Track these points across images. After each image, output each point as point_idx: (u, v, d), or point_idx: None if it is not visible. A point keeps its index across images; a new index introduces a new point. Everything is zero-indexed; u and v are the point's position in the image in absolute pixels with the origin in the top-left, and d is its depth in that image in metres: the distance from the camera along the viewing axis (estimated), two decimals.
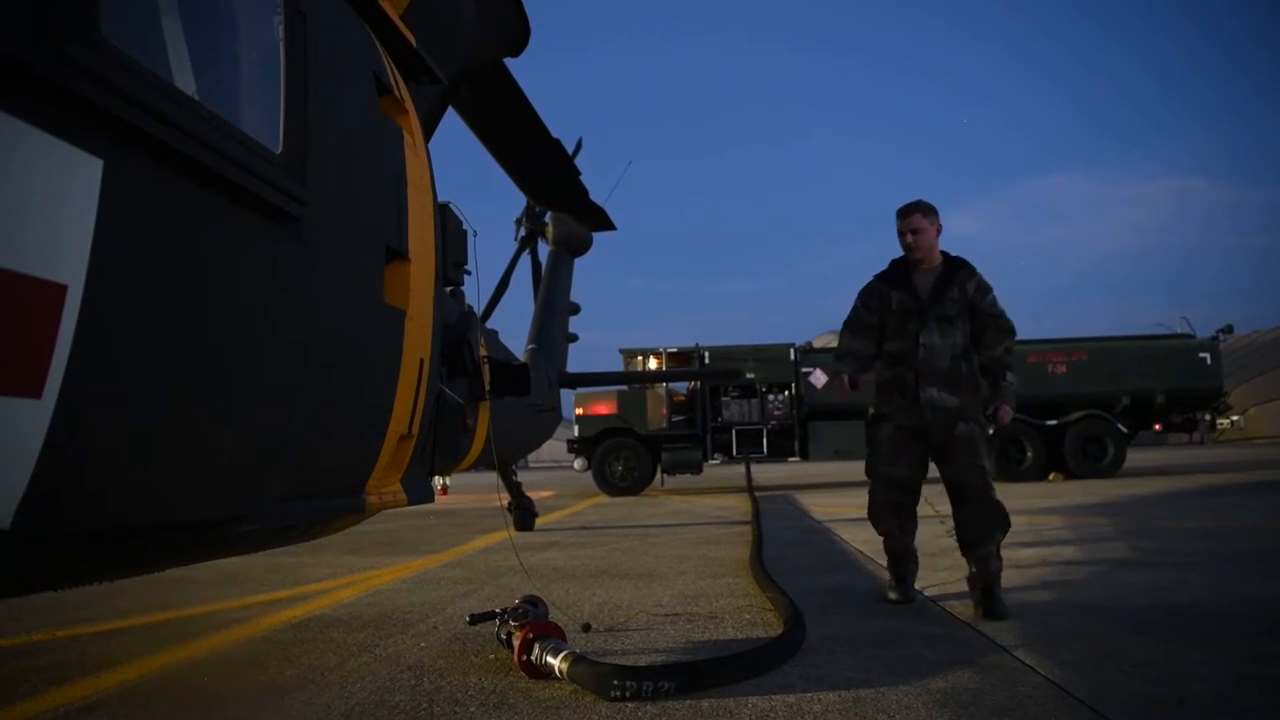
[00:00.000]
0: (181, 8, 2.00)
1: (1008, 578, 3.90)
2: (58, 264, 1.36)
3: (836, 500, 11.71)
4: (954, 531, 3.96)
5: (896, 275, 4.22)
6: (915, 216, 4.09)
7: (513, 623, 3.10)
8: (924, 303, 4.05)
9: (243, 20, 2.21)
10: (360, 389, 2.63)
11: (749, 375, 16.64)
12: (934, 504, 4.18)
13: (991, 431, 3.99)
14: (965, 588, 3.89)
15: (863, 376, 4.31)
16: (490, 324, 7.69)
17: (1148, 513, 8.40)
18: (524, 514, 9.00)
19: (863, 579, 4.88)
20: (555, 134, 6.46)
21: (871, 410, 4.26)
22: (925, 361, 4.00)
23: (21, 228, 1.30)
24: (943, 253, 4.17)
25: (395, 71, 3.08)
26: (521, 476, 10.47)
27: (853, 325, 4.31)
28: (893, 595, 4.10)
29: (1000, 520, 3.87)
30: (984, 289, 4.07)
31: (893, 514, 4.10)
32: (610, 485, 16.09)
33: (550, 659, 2.79)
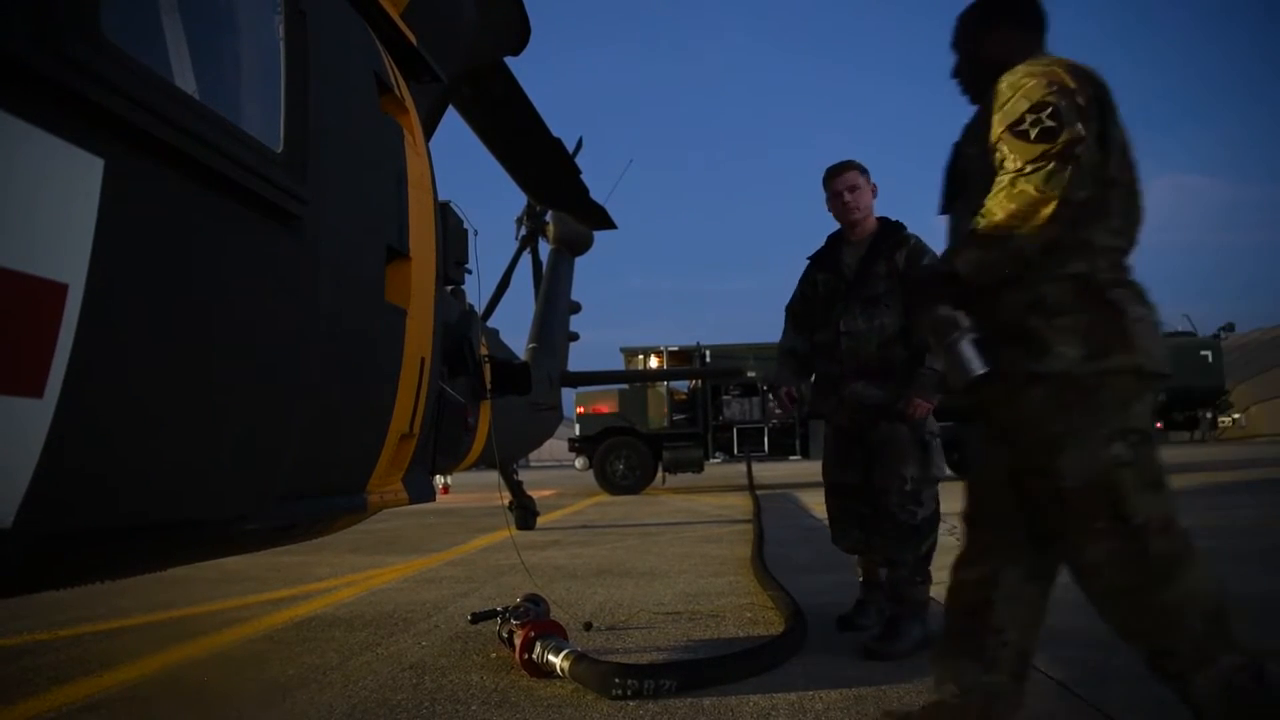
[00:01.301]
0: (182, 7, 2.00)
1: None
2: (59, 263, 1.36)
3: None
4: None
5: (826, 253, 3.69)
6: (851, 173, 3.55)
7: (514, 621, 3.11)
8: (848, 282, 3.50)
9: (243, 19, 2.21)
10: (361, 388, 2.64)
11: (750, 374, 16.63)
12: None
13: (934, 431, 3.43)
14: None
15: (802, 382, 3.74)
16: (491, 323, 7.69)
17: None
18: (525, 513, 9.00)
19: None
20: (556, 133, 6.47)
21: None
22: (848, 352, 3.42)
23: (22, 227, 1.31)
24: (880, 219, 3.61)
25: (396, 70, 3.08)
26: (523, 475, 10.48)
27: (789, 314, 3.81)
28: (841, 622, 3.50)
29: (906, 538, 3.28)
30: (917, 254, 3.43)
31: (854, 526, 3.51)
32: (611, 484, 16.07)
33: (552, 657, 2.79)
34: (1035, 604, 2.07)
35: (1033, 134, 1.84)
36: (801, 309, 3.76)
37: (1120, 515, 1.82)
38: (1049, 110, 1.84)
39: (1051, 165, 1.82)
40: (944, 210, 2.20)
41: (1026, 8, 2.13)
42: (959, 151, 2.15)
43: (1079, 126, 1.83)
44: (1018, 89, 1.92)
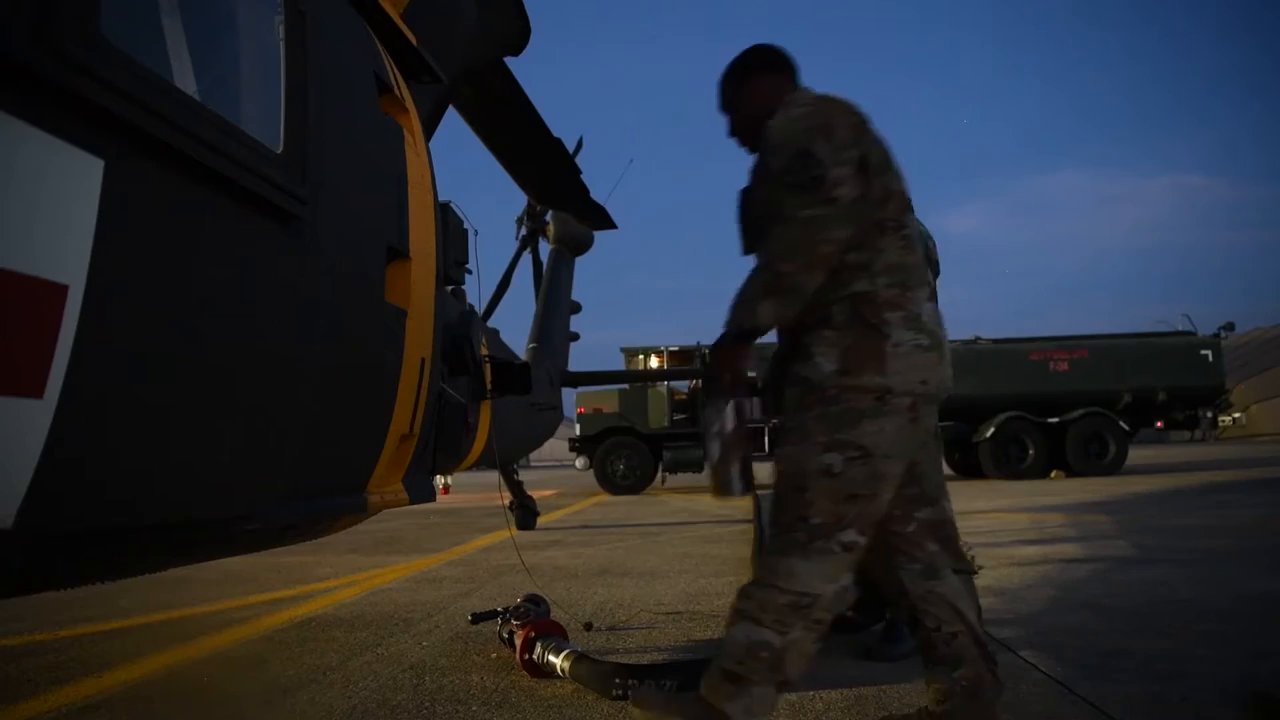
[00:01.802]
0: (182, 7, 2.00)
1: (1010, 575, 3.89)
2: (59, 264, 1.36)
3: None
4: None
5: None
6: None
7: (514, 621, 3.11)
8: None
9: (243, 20, 2.21)
10: (361, 388, 2.63)
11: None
12: None
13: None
14: None
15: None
16: (491, 323, 7.67)
17: (1149, 510, 8.40)
18: (526, 513, 9.01)
19: None
20: (556, 133, 6.46)
21: None
22: None
23: (22, 228, 1.30)
24: None
25: (396, 70, 3.08)
26: (523, 475, 10.48)
27: None
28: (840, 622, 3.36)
29: None
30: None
31: None
32: (612, 484, 16.09)
33: (552, 658, 2.79)
34: (954, 592, 2.12)
35: (799, 181, 1.95)
36: None
37: (804, 515, 1.96)
38: (812, 159, 1.94)
39: (818, 211, 1.93)
40: (748, 252, 2.32)
41: (776, 56, 2.30)
42: (749, 197, 2.24)
43: (839, 170, 1.94)
44: (783, 133, 2.02)
